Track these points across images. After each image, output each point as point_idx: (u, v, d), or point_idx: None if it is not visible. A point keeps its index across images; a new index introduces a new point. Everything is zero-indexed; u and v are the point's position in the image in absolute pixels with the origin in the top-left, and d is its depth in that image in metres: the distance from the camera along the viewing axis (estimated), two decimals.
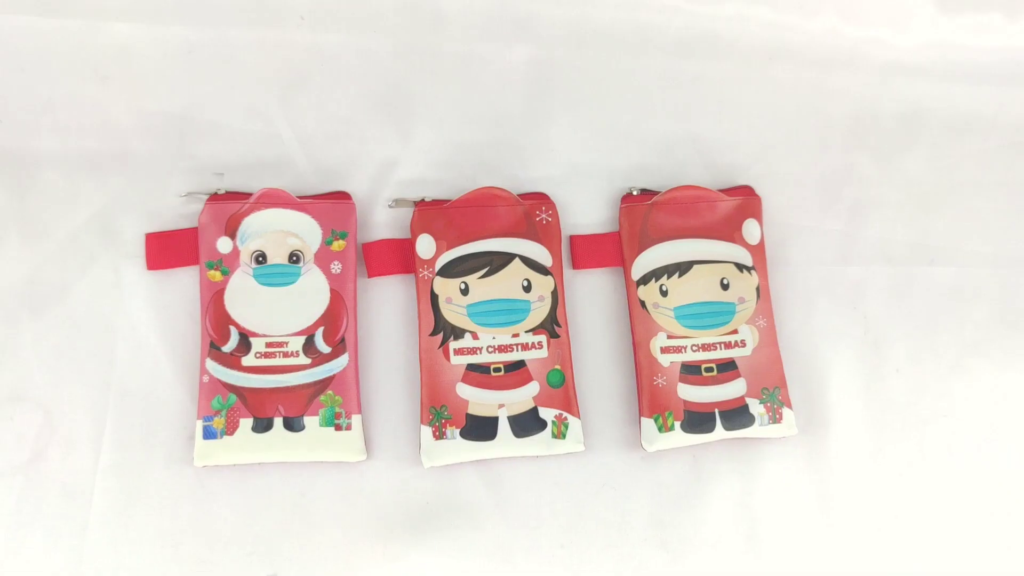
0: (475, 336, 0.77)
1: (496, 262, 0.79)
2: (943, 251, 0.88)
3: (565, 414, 0.76)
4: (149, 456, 0.74)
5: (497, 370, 0.77)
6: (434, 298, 0.78)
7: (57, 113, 0.78)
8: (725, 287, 0.81)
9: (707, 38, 0.86)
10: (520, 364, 0.77)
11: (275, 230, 0.77)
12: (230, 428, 0.74)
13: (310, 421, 0.75)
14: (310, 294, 0.77)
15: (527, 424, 0.76)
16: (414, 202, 0.80)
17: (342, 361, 0.76)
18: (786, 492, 0.79)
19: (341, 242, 0.78)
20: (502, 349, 0.77)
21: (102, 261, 0.77)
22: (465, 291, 0.78)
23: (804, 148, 0.89)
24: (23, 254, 0.76)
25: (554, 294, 0.79)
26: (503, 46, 0.84)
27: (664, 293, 0.80)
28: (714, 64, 0.87)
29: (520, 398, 0.76)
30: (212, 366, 0.75)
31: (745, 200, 0.84)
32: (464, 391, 0.76)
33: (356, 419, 0.75)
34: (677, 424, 0.78)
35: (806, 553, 0.78)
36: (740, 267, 0.82)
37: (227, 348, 0.75)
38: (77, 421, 0.74)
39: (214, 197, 0.77)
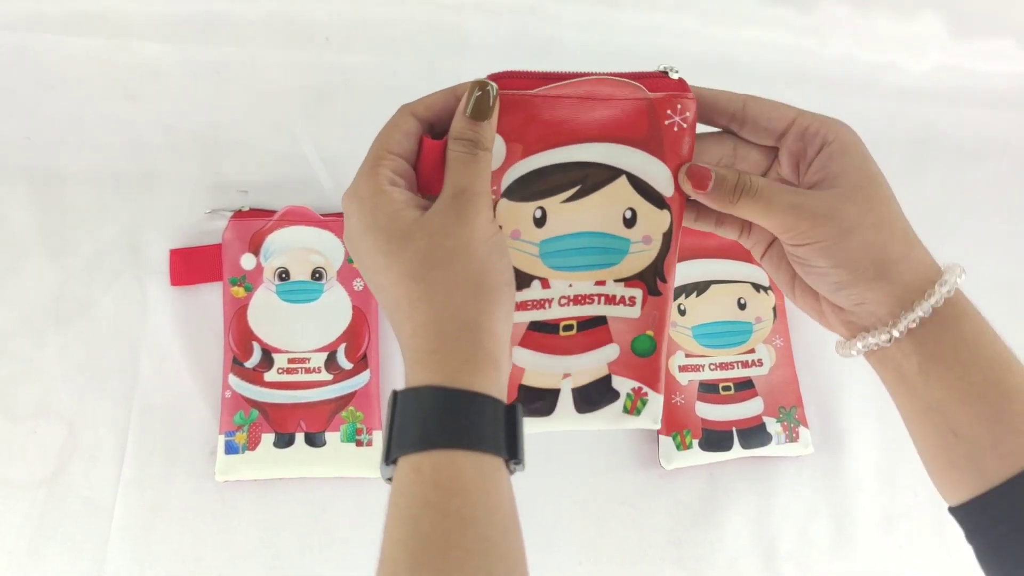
0: (545, 284, 0.53)
1: (592, 179, 0.52)
2: None
3: (646, 388, 0.55)
4: (171, 470, 0.75)
5: (568, 328, 0.55)
6: None
7: (85, 131, 0.79)
8: (742, 307, 0.82)
9: (724, 62, 0.88)
10: (600, 321, 0.55)
11: (298, 247, 0.78)
12: (252, 443, 0.75)
13: (331, 437, 0.76)
14: (332, 311, 0.78)
15: (594, 396, 0.55)
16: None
17: (364, 377, 0.77)
18: (803, 511, 0.80)
19: None
20: (578, 301, 0.54)
21: (127, 277, 0.78)
22: (541, 220, 0.52)
23: None
24: (49, 269, 0.77)
25: (667, 236, 0.54)
26: (526, 68, 0.85)
27: (682, 312, 0.81)
28: (730, 87, 0.87)
29: (591, 364, 0.55)
30: (235, 381, 0.76)
31: None
32: (520, 356, 0.54)
33: (377, 435, 0.76)
34: (695, 442, 0.78)
35: (822, 573, 0.79)
36: (757, 287, 0.83)
37: (250, 364, 0.76)
38: (100, 435, 0.75)
39: (238, 214, 0.78)
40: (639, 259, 0.54)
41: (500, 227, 0.46)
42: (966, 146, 0.92)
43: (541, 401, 0.55)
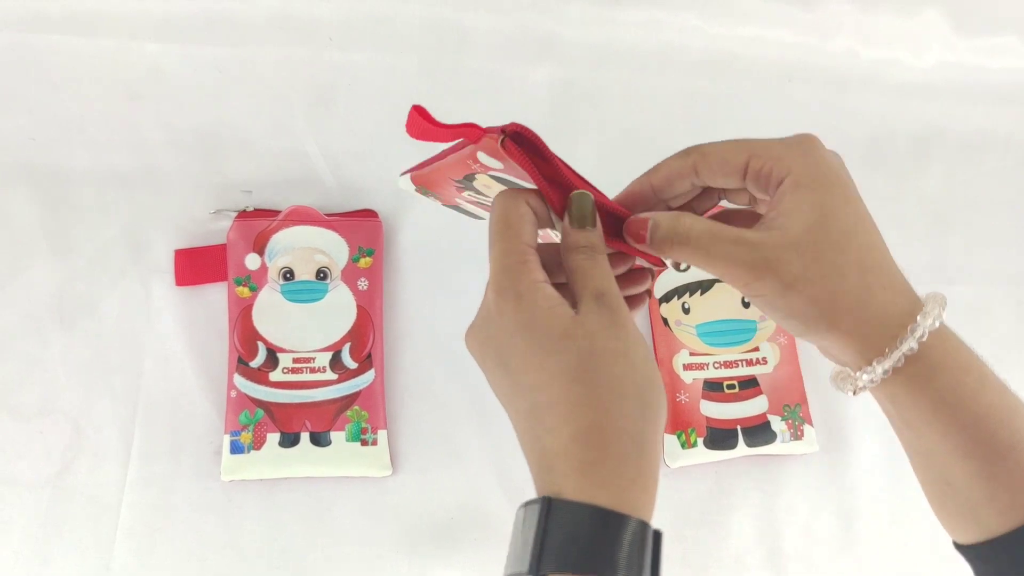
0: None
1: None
2: (960, 270, 0.89)
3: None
4: (176, 470, 0.75)
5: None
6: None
7: (89, 130, 0.79)
8: (746, 305, 0.82)
9: (727, 58, 0.88)
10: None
11: (303, 247, 0.78)
12: (257, 443, 0.75)
13: (336, 436, 0.76)
14: (337, 310, 0.78)
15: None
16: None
17: (368, 377, 0.77)
18: (808, 509, 0.80)
19: (368, 259, 0.79)
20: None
21: (132, 276, 0.78)
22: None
23: None
24: (54, 268, 0.77)
25: None
26: (527, 65, 0.85)
27: (686, 311, 0.81)
28: (733, 83, 0.88)
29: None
30: (240, 381, 0.76)
31: None
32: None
33: (382, 434, 0.76)
34: (700, 440, 0.78)
35: (828, 571, 0.79)
36: None
37: (255, 363, 0.76)
38: (105, 435, 0.75)
39: (243, 214, 0.78)
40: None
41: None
42: (969, 142, 0.92)
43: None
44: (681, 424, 0.78)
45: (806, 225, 0.41)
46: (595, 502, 0.38)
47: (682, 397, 0.79)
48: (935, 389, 0.42)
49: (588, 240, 0.44)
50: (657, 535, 0.40)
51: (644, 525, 0.39)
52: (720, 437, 0.79)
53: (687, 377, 0.80)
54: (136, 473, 0.74)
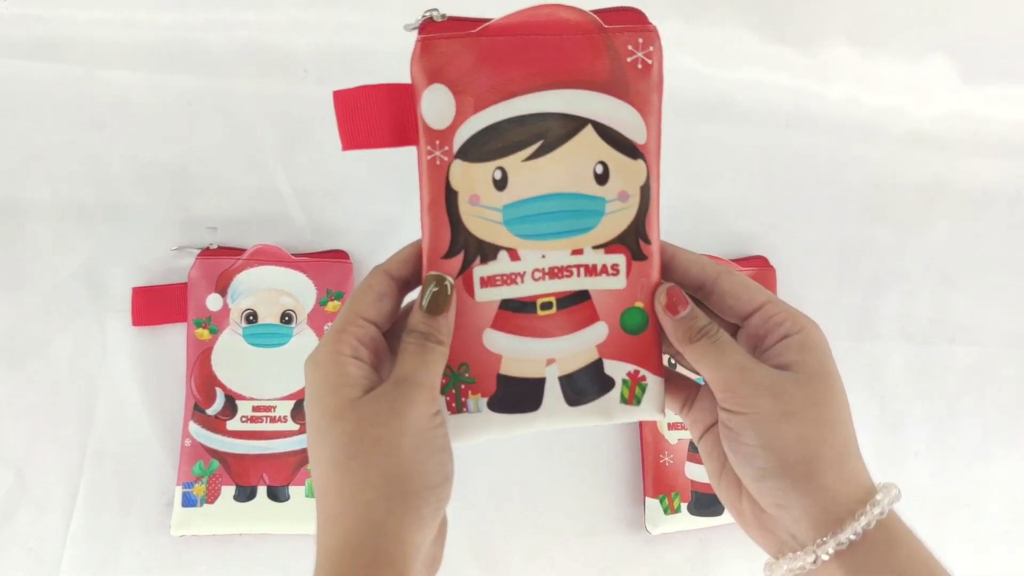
0: (513, 255, 0.46)
1: (554, 131, 0.45)
2: (965, 329, 0.85)
3: (643, 371, 0.48)
4: (124, 523, 0.71)
5: (547, 306, 0.48)
6: (451, 197, 0.46)
7: (49, 160, 0.75)
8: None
9: (723, 103, 0.84)
10: (582, 296, 0.48)
11: (268, 288, 0.74)
12: (211, 496, 0.71)
13: (295, 491, 0.71)
14: (301, 356, 0.71)
15: (586, 384, 0.48)
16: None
17: None
18: None
19: (336, 303, 0.75)
20: (555, 274, 0.47)
21: (87, 315, 0.74)
22: (501, 182, 0.46)
23: (821, 218, 0.85)
24: (4, 305, 0.73)
25: (645, 190, 0.47)
26: None
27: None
28: (729, 129, 0.85)
29: (578, 346, 0.48)
30: (195, 429, 0.71)
31: (760, 271, 0.80)
32: (495, 341, 0.47)
33: None
34: (684, 505, 0.74)
35: None
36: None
37: (212, 411, 0.72)
38: (50, 483, 0.71)
39: (206, 252, 0.74)
40: (617, 220, 0.47)
41: (442, 421, 0.43)
42: (976, 196, 0.88)
43: (524, 394, 0.47)
44: (664, 488, 0.74)
45: (812, 375, 0.44)
46: None
47: (666, 459, 0.74)
48: (891, 561, 0.42)
49: (427, 327, 0.44)
50: None
51: None
52: (706, 502, 0.74)
53: (672, 437, 0.75)
54: (80, 525, 0.70)
